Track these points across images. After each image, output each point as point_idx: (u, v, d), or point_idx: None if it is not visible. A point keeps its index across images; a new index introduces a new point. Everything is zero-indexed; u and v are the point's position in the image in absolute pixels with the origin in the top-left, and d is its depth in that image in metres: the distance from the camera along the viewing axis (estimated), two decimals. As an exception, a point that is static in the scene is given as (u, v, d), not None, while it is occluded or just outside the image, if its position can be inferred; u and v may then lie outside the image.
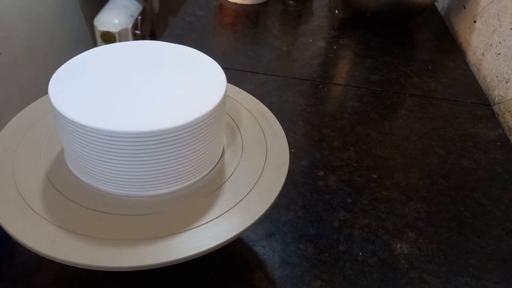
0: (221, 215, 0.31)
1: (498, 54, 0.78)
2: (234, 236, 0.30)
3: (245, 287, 0.43)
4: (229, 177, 0.34)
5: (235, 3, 1.00)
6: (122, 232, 0.29)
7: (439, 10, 1.07)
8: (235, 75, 0.76)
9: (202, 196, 0.32)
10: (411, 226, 0.51)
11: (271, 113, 0.41)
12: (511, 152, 0.64)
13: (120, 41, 1.40)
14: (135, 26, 1.44)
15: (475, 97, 0.76)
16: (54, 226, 0.29)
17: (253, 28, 0.92)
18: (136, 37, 1.44)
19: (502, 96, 0.74)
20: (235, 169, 0.35)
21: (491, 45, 0.81)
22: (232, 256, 0.46)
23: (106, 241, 0.28)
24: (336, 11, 1.02)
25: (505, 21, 0.77)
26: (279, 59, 0.83)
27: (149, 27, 1.61)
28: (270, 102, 0.61)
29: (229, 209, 0.31)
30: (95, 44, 1.47)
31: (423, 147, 0.63)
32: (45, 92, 0.35)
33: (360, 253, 0.47)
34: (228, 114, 0.40)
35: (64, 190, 0.32)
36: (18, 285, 0.42)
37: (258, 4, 1.01)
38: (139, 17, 1.45)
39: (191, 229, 0.30)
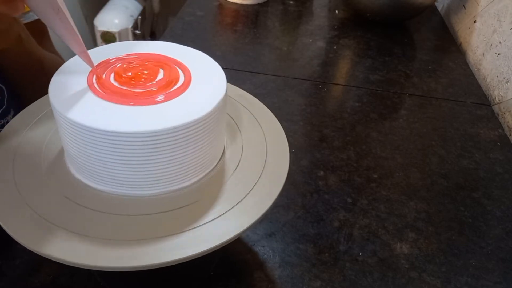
0: (221, 215, 0.31)
1: (498, 54, 0.78)
2: (234, 236, 0.30)
3: (245, 287, 0.43)
4: (229, 177, 0.34)
5: (235, 3, 1.00)
6: (122, 232, 0.29)
7: (439, 10, 1.07)
8: (235, 75, 0.76)
9: (202, 196, 0.32)
10: (411, 226, 0.51)
11: (271, 113, 0.41)
12: (511, 152, 0.64)
13: (120, 41, 1.40)
14: (135, 26, 1.44)
15: (475, 97, 0.76)
16: (54, 226, 0.29)
17: (253, 28, 0.92)
18: (136, 37, 1.44)
19: (502, 96, 0.74)
20: (235, 169, 0.35)
21: (491, 45, 0.81)
22: (232, 256, 0.46)
23: (106, 241, 0.28)
24: (336, 11, 1.02)
25: (505, 21, 0.77)
26: (279, 59, 0.83)
27: (149, 27, 1.61)
28: (270, 102, 0.62)
29: (229, 209, 0.31)
30: (95, 44, 1.47)
31: (423, 147, 0.63)
32: (45, 92, 0.35)
33: (360, 253, 0.47)
34: (228, 114, 0.40)
35: (64, 190, 0.32)
36: (18, 285, 0.42)
37: (258, 4, 1.01)
38: (139, 17, 1.46)
39: (191, 229, 0.30)
